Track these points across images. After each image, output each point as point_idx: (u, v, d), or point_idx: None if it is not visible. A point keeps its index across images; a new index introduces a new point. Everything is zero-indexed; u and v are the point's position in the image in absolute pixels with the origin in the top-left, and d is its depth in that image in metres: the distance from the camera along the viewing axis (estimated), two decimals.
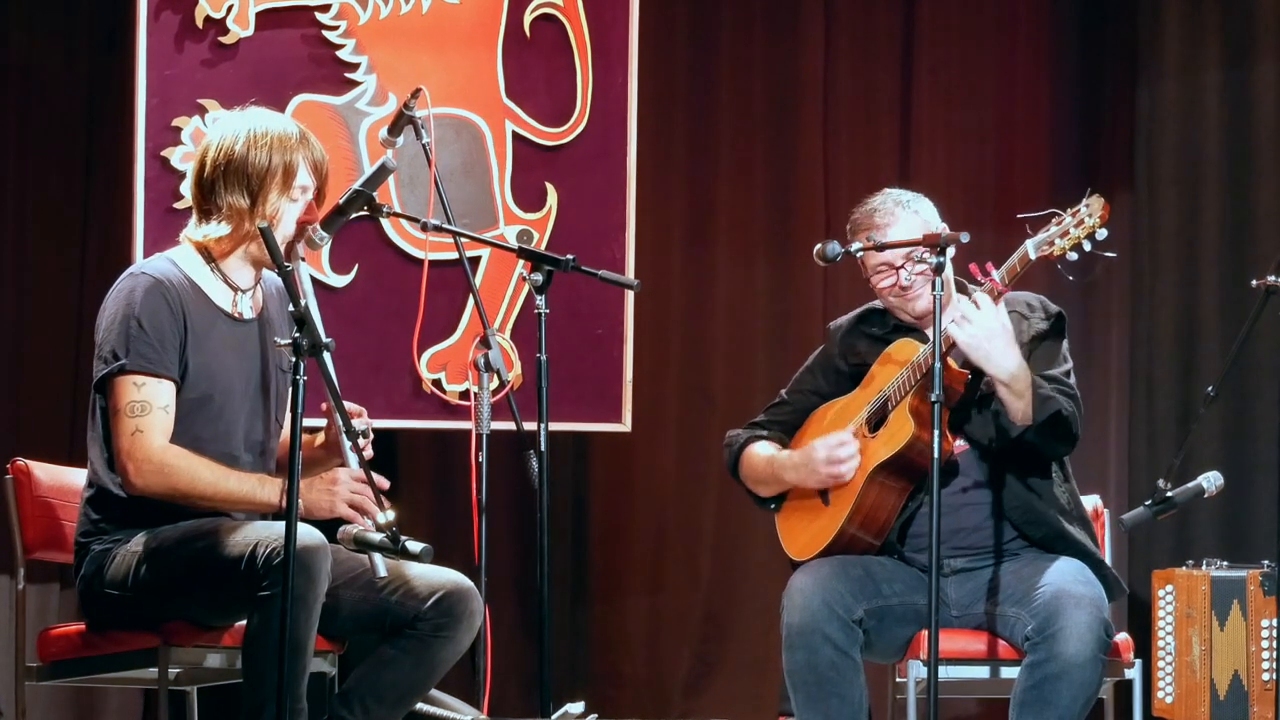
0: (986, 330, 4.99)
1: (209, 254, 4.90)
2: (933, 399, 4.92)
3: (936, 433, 4.91)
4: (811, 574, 5.14)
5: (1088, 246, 4.95)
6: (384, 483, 4.65)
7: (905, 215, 5.23)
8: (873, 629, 5.12)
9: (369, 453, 4.79)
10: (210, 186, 4.86)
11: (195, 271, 4.88)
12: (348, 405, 4.72)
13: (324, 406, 4.79)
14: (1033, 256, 5.00)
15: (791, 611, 5.09)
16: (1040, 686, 4.96)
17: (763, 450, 5.38)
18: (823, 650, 5.04)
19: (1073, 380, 5.23)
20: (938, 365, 4.94)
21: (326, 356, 4.47)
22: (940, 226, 5.24)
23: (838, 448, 5.18)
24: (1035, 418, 5.06)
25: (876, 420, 5.20)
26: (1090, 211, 4.96)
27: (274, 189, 4.84)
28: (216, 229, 4.86)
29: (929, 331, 5.12)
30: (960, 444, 5.19)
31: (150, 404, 4.74)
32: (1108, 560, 5.39)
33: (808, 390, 5.42)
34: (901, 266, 5.19)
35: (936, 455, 4.91)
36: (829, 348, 5.45)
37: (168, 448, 4.74)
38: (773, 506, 5.41)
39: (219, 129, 4.93)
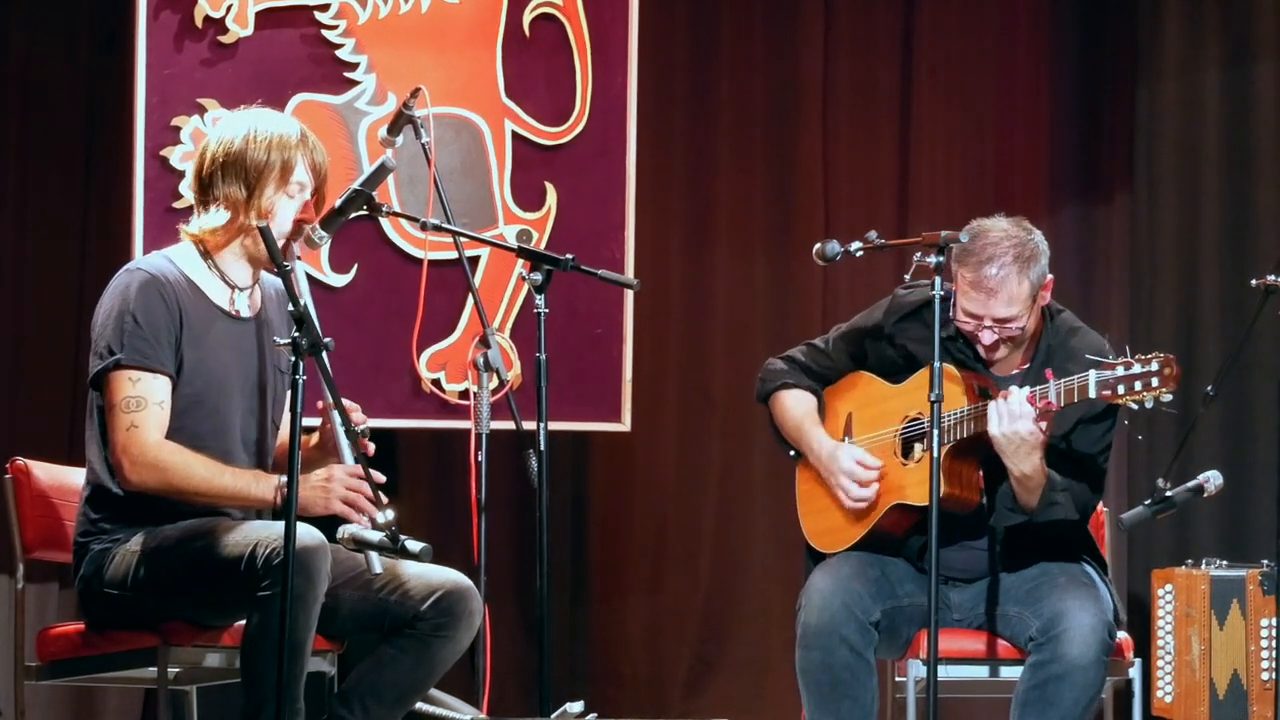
0: (1018, 436, 4.95)
1: (206, 250, 4.91)
2: (931, 399, 4.93)
3: (935, 432, 4.91)
4: (831, 574, 5.14)
5: (1150, 405, 4.89)
6: (380, 478, 4.65)
7: (1012, 284, 5.06)
8: (885, 629, 5.13)
9: (371, 449, 4.79)
10: (209, 180, 4.88)
11: (192, 269, 4.89)
12: (344, 403, 4.73)
13: (320, 405, 4.79)
14: (1092, 395, 4.92)
15: (809, 611, 5.09)
16: (1043, 687, 4.97)
17: (799, 405, 5.35)
18: (839, 652, 5.05)
19: (1107, 456, 5.21)
20: (937, 365, 4.95)
21: (325, 356, 4.47)
22: (1049, 278, 5.13)
23: (861, 486, 5.18)
24: (1035, 516, 5.09)
25: (909, 443, 5.19)
26: (1162, 376, 4.86)
27: (271, 183, 4.85)
28: (213, 219, 4.86)
29: (988, 353, 5.14)
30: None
31: (145, 399, 4.74)
32: (1107, 558, 5.41)
33: (849, 354, 5.37)
34: (989, 326, 5.10)
35: (936, 455, 4.92)
36: (884, 324, 5.33)
37: (163, 443, 4.74)
38: (792, 454, 5.39)
39: (220, 127, 4.95)
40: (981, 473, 5.15)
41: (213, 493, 4.76)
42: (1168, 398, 4.87)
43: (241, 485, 4.76)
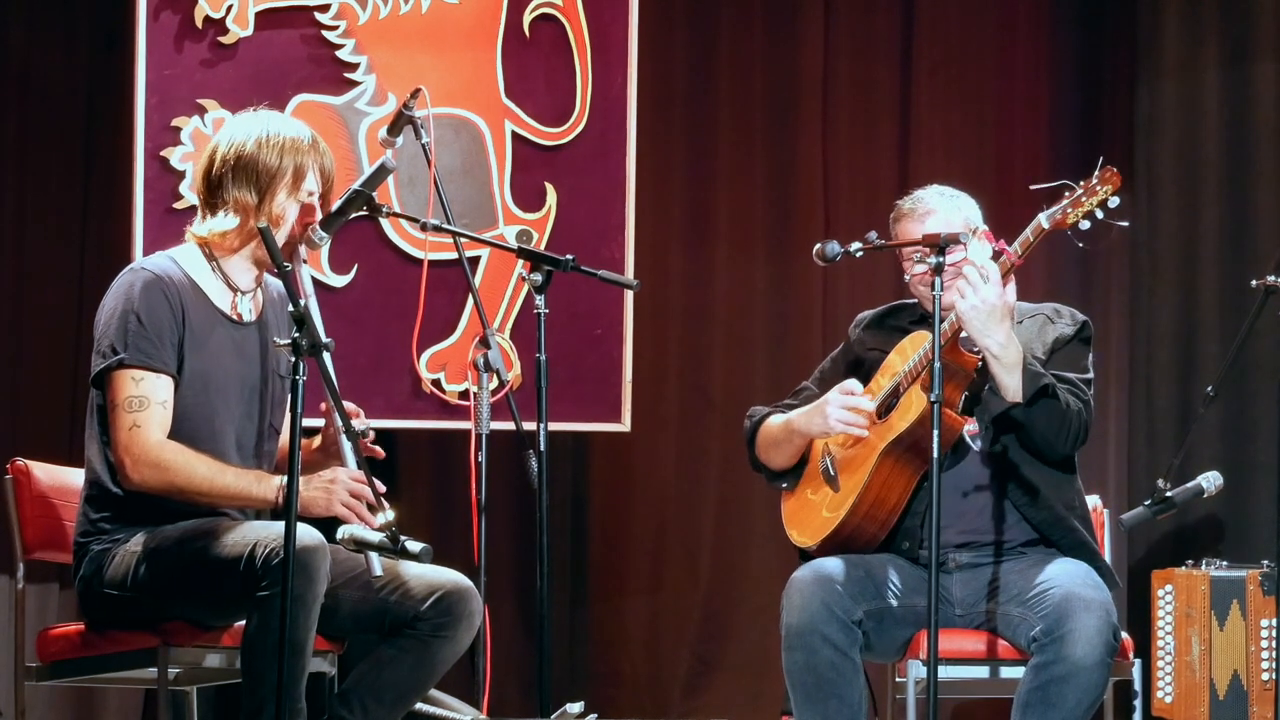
0: (988, 304, 4.99)
1: (211, 253, 4.91)
2: (932, 399, 4.92)
3: (936, 432, 4.90)
4: (811, 574, 5.14)
5: (1099, 214, 4.97)
6: (381, 487, 4.66)
7: (947, 208, 5.26)
8: (872, 630, 5.12)
9: (380, 452, 4.80)
10: (218, 182, 4.87)
11: (196, 271, 4.89)
12: (345, 406, 4.73)
13: (322, 406, 4.79)
14: (1045, 226, 5.00)
15: (790, 612, 5.09)
16: (1045, 688, 4.96)
17: (779, 417, 5.39)
18: (822, 651, 5.04)
19: (1090, 386, 5.22)
20: (937, 365, 4.94)
21: (326, 357, 4.47)
22: (982, 228, 5.25)
23: (848, 395, 5.18)
24: (1025, 392, 5.07)
25: (888, 407, 5.20)
26: (1101, 180, 4.98)
27: (282, 189, 4.84)
28: (222, 223, 4.86)
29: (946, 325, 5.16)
30: (971, 428, 5.19)
31: (148, 399, 4.75)
32: (1107, 558, 5.40)
33: (830, 378, 5.42)
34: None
35: (936, 455, 4.90)
36: (851, 340, 5.47)
37: (165, 443, 4.74)
38: (785, 485, 5.40)
39: (230, 128, 4.93)
40: (962, 415, 5.15)
41: (214, 493, 4.76)
42: (1114, 201, 4.97)
43: (243, 485, 4.76)
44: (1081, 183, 4.99)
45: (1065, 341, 5.26)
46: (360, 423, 4.84)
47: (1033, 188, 5.07)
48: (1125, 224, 5.07)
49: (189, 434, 4.79)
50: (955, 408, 5.14)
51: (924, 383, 5.09)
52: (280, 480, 4.71)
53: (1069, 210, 4.99)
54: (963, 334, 5.06)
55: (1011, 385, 5.08)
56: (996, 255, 5.05)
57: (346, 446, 4.73)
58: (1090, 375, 5.27)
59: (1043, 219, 5.01)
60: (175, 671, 4.96)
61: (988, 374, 5.12)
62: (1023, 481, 5.19)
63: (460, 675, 5.25)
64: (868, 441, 5.19)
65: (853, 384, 5.21)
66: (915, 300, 5.39)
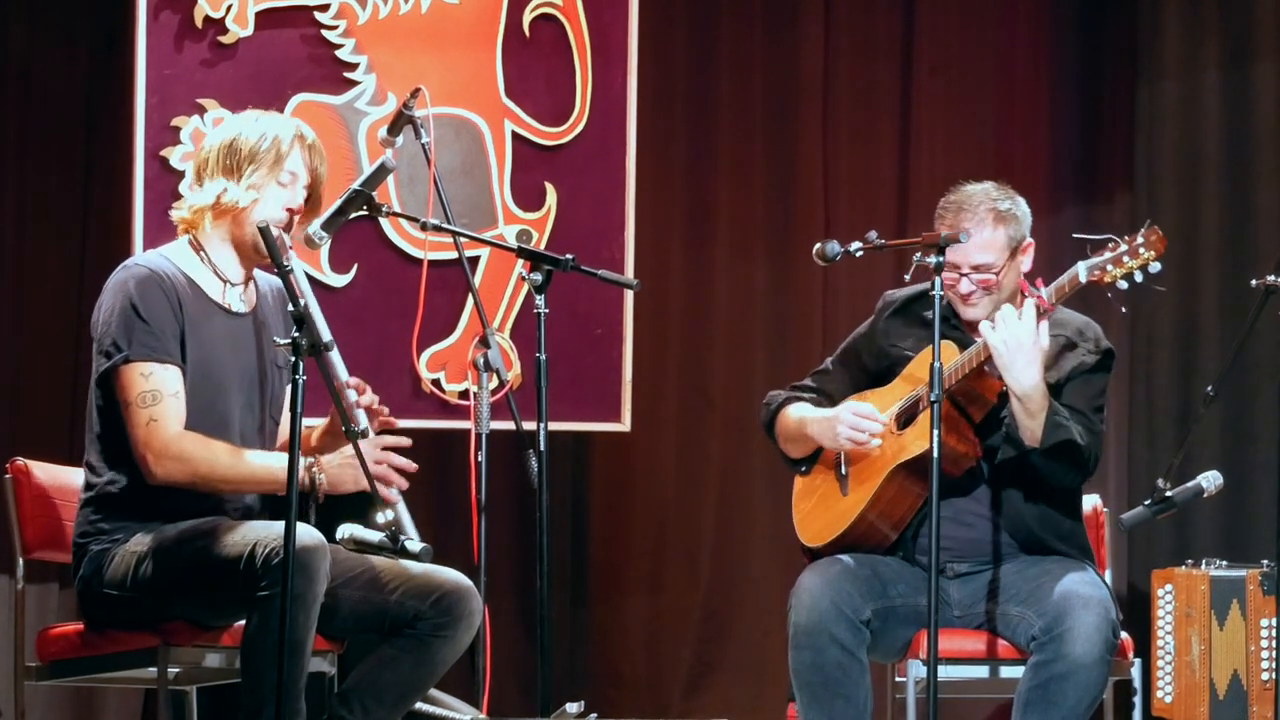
0: (1017, 340, 4.96)
1: (199, 244, 4.92)
2: (932, 399, 4.92)
3: (936, 432, 4.90)
4: (820, 573, 5.14)
5: (1139, 278, 4.92)
6: (405, 442, 4.68)
7: (988, 226, 5.14)
8: (877, 629, 5.12)
9: (395, 422, 4.83)
10: (201, 167, 4.92)
11: (188, 265, 4.90)
12: (353, 380, 4.75)
13: (336, 384, 4.78)
14: (1083, 280, 4.96)
15: (799, 611, 5.09)
16: (1046, 686, 4.96)
17: (799, 409, 5.35)
18: (829, 651, 5.04)
19: (1102, 417, 5.20)
20: (937, 364, 4.94)
21: (334, 355, 4.48)
22: (1028, 240, 5.20)
23: (864, 419, 5.16)
24: (1044, 442, 5.05)
25: (906, 418, 5.19)
26: (1147, 243, 4.91)
27: (263, 166, 4.86)
28: (200, 197, 4.88)
29: (975, 336, 5.13)
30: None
31: (161, 392, 4.75)
32: (1107, 559, 5.40)
33: (853, 365, 5.40)
34: (965, 274, 5.15)
35: (936, 455, 4.90)
36: (876, 323, 5.39)
37: (184, 435, 4.75)
38: (803, 469, 5.38)
39: (225, 125, 4.96)
40: (978, 439, 5.14)
41: (239, 478, 4.76)
42: (1156, 267, 4.92)
43: (266, 466, 4.75)
44: (1126, 238, 4.93)
45: (1086, 371, 5.22)
46: (368, 397, 4.84)
47: (1076, 236, 5.00)
48: (1163, 289, 5.03)
49: (193, 426, 4.79)
50: (972, 440, 5.13)
51: (942, 410, 5.03)
52: (307, 460, 4.72)
53: (1109, 268, 4.92)
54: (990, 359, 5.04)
55: (1030, 428, 5.05)
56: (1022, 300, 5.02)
57: (363, 418, 4.75)
58: (1103, 402, 5.23)
59: (1081, 271, 4.96)
60: (175, 671, 4.96)
61: (1007, 399, 5.10)
62: (1019, 514, 5.18)
63: (460, 675, 5.25)
64: (882, 449, 5.17)
65: (868, 408, 5.19)
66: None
